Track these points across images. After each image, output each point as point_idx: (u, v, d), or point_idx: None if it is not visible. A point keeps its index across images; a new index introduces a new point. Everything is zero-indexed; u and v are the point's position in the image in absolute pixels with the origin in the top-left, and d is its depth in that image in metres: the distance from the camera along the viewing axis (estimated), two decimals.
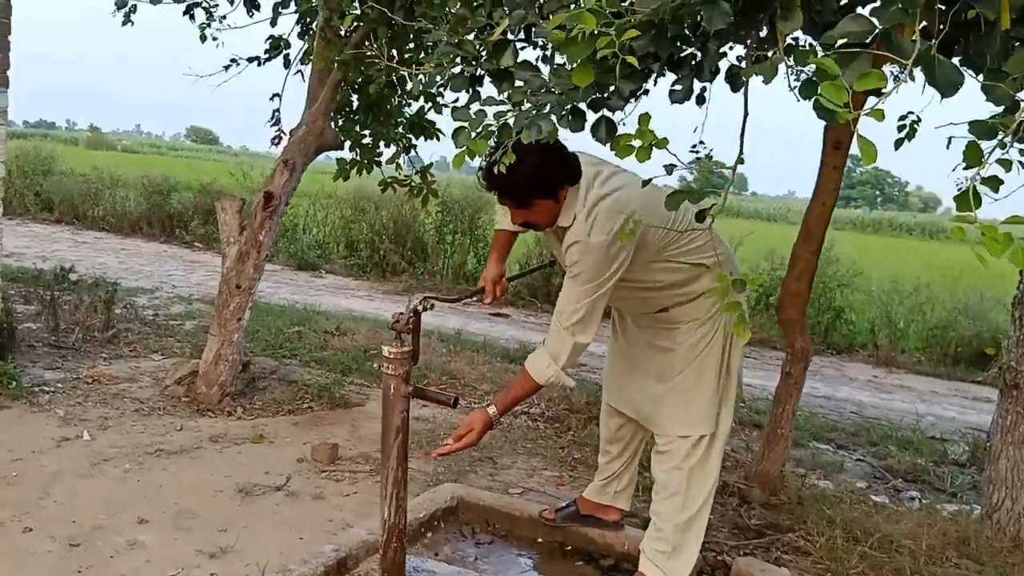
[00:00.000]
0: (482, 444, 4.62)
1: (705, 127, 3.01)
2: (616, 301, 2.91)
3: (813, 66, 1.32)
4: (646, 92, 2.80)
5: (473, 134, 1.66)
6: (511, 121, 1.66)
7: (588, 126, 1.68)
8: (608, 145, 1.55)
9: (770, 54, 1.61)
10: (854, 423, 6.22)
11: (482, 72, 1.94)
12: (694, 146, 3.13)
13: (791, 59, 1.34)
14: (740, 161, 1.50)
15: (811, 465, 4.94)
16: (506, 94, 1.73)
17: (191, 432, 4.44)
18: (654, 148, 1.41)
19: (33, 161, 15.95)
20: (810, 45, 2.07)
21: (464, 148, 1.67)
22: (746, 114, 1.58)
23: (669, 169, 1.49)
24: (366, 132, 5.80)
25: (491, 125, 1.68)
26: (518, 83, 1.72)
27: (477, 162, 2.48)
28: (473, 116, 1.68)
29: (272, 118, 5.79)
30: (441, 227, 11.90)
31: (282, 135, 5.60)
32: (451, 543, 3.29)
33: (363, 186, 11.58)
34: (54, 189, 15.15)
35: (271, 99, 5.71)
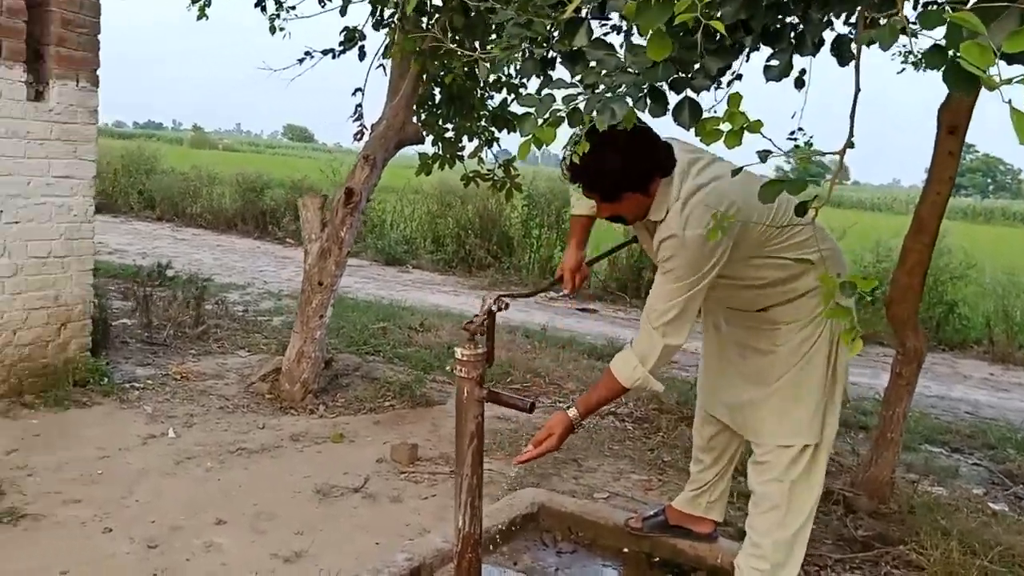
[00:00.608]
0: (566, 446, 4.48)
1: (801, 111, 2.78)
2: (711, 301, 2.70)
3: (936, 31, 1.11)
4: (738, 77, 2.59)
5: (540, 121, 1.48)
6: (582, 106, 1.48)
7: (670, 109, 1.49)
8: (693, 131, 1.36)
9: (882, 22, 1.40)
10: (969, 424, 5.79)
11: (554, 54, 1.77)
12: (792, 133, 2.88)
13: (914, 21, 1.13)
14: (850, 145, 1.28)
15: (923, 470, 4.60)
16: (578, 77, 1.55)
17: (273, 430, 4.43)
18: (746, 132, 1.21)
19: (137, 161, 16.58)
20: (928, 6, 1.82)
21: (530, 137, 1.50)
22: (857, 91, 1.35)
23: (764, 156, 1.28)
24: (448, 126, 5.71)
25: (560, 111, 1.50)
26: (591, 64, 1.54)
27: (557, 152, 2.33)
28: (540, 101, 1.51)
29: (355, 113, 5.76)
30: (527, 221, 11.77)
31: (364, 130, 5.56)
32: (531, 552, 3.15)
33: (449, 180, 11.55)
34: (156, 187, 15.72)
35: (353, 94, 5.68)
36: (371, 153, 4.91)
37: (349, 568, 2.96)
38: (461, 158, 5.84)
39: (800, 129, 2.82)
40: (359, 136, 5.63)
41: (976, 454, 5.13)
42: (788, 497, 2.57)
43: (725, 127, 1.24)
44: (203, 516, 3.35)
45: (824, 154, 1.34)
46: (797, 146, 2.38)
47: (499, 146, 5.92)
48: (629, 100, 1.42)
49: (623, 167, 2.28)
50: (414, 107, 5.47)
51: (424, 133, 5.59)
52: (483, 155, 5.79)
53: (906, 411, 3.85)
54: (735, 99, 1.25)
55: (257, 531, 3.27)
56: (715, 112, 1.44)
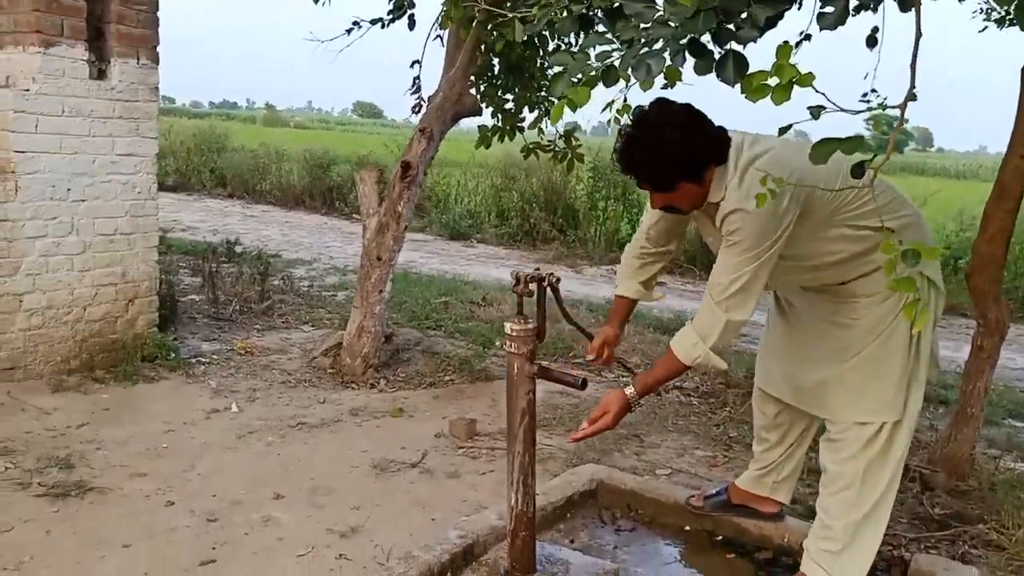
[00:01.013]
0: (628, 421, 4.40)
1: (874, 71, 2.60)
2: (782, 283, 2.57)
3: None
4: (807, 37, 2.42)
5: (573, 80, 1.38)
6: (617, 63, 1.38)
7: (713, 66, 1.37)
8: (739, 87, 1.24)
9: None
10: None
11: (594, 12, 1.66)
12: (864, 95, 2.69)
13: None
14: (912, 97, 1.15)
15: (1006, 446, 4.38)
16: (617, 33, 1.44)
17: (333, 405, 4.45)
18: (796, 88, 1.09)
19: (208, 139, 16.93)
20: None
21: (563, 98, 1.40)
22: (918, 36, 1.21)
23: (816, 112, 1.16)
24: (508, 96, 5.62)
25: (594, 69, 1.39)
26: (631, 19, 1.43)
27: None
28: (573, 59, 1.40)
29: (413, 86, 5.71)
30: (592, 193, 11.60)
31: (422, 103, 5.51)
32: (589, 529, 3.08)
33: (513, 153, 11.45)
34: (226, 165, 16.03)
35: (411, 66, 5.62)
36: (427, 126, 4.86)
37: (404, 544, 2.95)
38: (521, 129, 5.75)
39: (873, 91, 2.64)
40: (417, 109, 5.59)
41: None
42: (863, 477, 2.44)
43: (773, 81, 1.12)
44: (262, 490, 3.38)
45: (886, 107, 1.21)
46: (869, 107, 2.22)
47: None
48: (667, 55, 1.31)
49: (676, 155, 2.19)
50: (471, 78, 5.39)
51: (483, 105, 5.51)
52: (544, 126, 5.69)
53: (988, 385, 3.65)
54: (784, 51, 1.13)
55: (315, 506, 3.29)
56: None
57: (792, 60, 1.11)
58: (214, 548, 2.90)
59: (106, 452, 3.65)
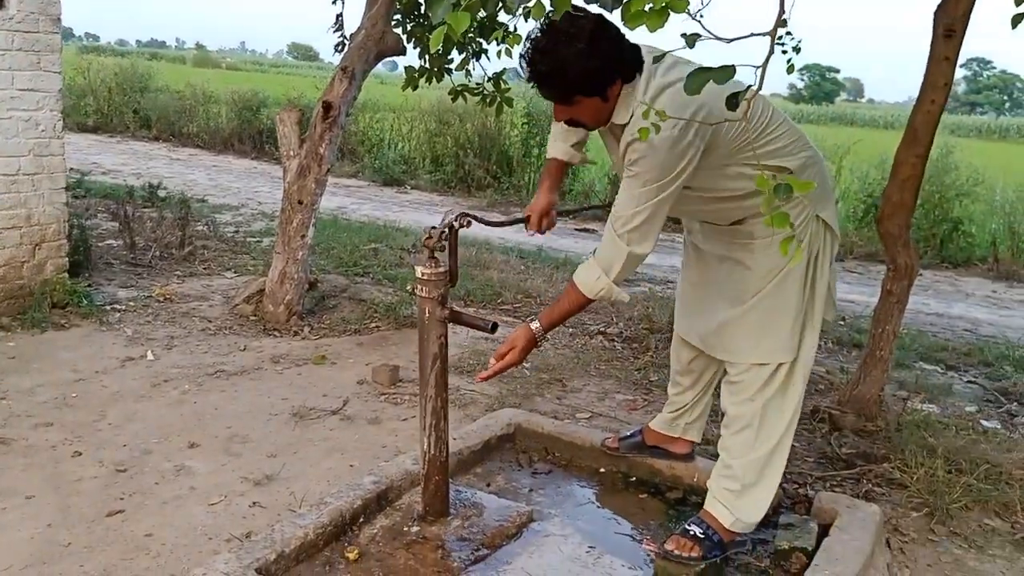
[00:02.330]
0: (551, 365, 4.44)
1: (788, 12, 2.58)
2: (683, 212, 2.56)
3: None
4: None
5: (453, 3, 1.32)
6: None
7: None
8: (618, 13, 1.20)
9: None
10: (967, 342, 5.69)
11: None
12: (762, 34, 2.67)
13: None
14: (781, 24, 1.12)
15: (915, 388, 4.52)
16: None
17: (254, 352, 4.37)
18: (671, 13, 1.06)
19: (131, 79, 16.24)
20: None
21: (442, 23, 1.34)
22: None
23: (691, 41, 1.13)
24: None
25: None
26: None
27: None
28: None
29: (335, 23, 5.53)
30: (527, 139, 11.50)
31: (344, 41, 5.35)
32: (505, 473, 3.09)
33: (446, 98, 11.27)
34: (151, 107, 15.44)
35: (333, 2, 5.45)
36: (349, 65, 4.72)
37: (320, 491, 2.92)
38: (449, 71, 5.63)
39: (788, 33, 2.63)
40: (340, 47, 5.43)
41: (971, 372, 5.05)
42: (760, 417, 2.48)
43: (648, 7, 1.08)
44: (175, 440, 3.31)
45: (759, 35, 1.18)
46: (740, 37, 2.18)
47: (487, 58, 5.71)
48: None
49: (580, 67, 2.10)
50: (397, 17, 5.24)
51: (411, 45, 5.37)
52: (471, 68, 5.58)
53: (897, 329, 3.74)
54: None
55: (230, 454, 3.23)
56: None
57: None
58: (122, 498, 2.84)
59: (10, 402, 3.53)
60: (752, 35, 1.17)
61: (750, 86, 1.25)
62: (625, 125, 2.24)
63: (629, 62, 2.20)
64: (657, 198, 2.21)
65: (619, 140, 2.29)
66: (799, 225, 2.33)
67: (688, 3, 1.08)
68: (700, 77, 1.16)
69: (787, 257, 2.37)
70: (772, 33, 1.14)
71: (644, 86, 2.20)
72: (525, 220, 2.74)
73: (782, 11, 1.15)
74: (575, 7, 1.98)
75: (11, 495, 2.80)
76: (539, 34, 2.14)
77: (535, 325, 2.40)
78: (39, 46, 4.36)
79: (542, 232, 2.78)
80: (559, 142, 2.69)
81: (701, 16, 1.09)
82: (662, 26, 1.08)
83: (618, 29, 2.17)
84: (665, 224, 2.34)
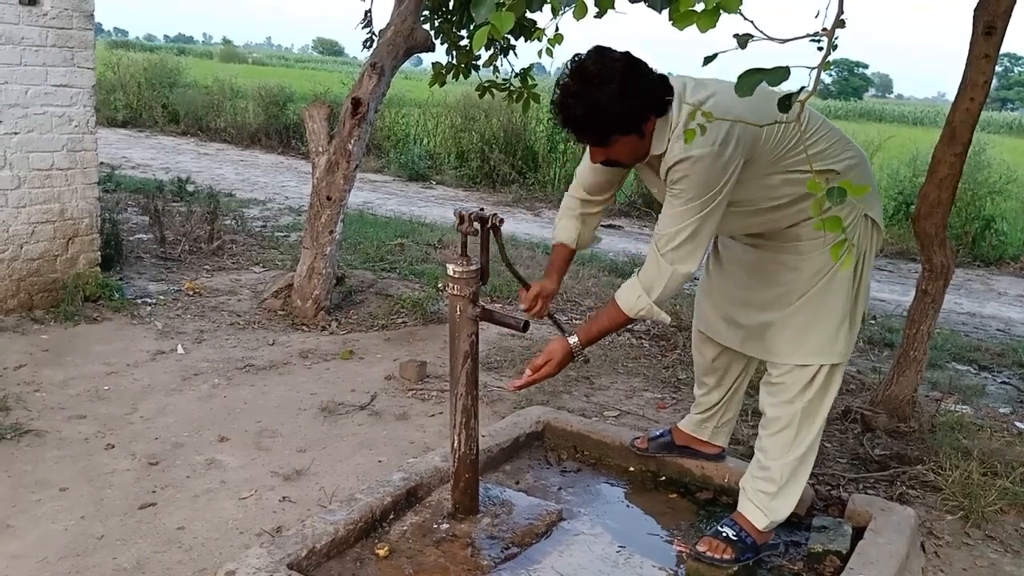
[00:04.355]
0: (579, 363, 4.41)
1: (826, 9, 2.54)
2: (730, 229, 2.52)
3: None
4: None
5: (497, 3, 1.30)
6: None
7: None
8: (666, 13, 1.18)
9: None
10: (1000, 342, 5.61)
11: None
12: (815, 34, 2.64)
13: None
14: (840, 24, 1.10)
15: (948, 389, 4.47)
16: None
17: (282, 347, 4.39)
18: (722, 13, 1.03)
19: (160, 74, 16.39)
20: None
21: (486, 23, 1.33)
22: None
23: (743, 41, 1.10)
24: (463, 33, 5.47)
25: None
26: None
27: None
28: None
29: (364, 19, 5.54)
30: (552, 135, 11.46)
31: (373, 37, 5.36)
32: (534, 471, 3.08)
33: (472, 94, 11.26)
34: (179, 101, 15.57)
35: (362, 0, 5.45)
36: (378, 61, 4.72)
37: (349, 486, 2.94)
38: (477, 67, 5.62)
39: (824, 29, 2.58)
40: (368, 44, 5.44)
41: (1005, 372, 4.98)
42: (800, 419, 2.45)
43: (700, 7, 1.06)
44: (206, 433, 3.33)
45: (813, 36, 1.16)
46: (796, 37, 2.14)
47: (515, 55, 5.69)
48: None
49: (614, 108, 2.08)
50: (426, 13, 5.24)
51: (438, 41, 5.37)
52: (499, 64, 5.57)
53: (931, 329, 3.69)
54: None
55: (260, 448, 3.25)
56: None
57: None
58: (154, 491, 2.86)
59: (44, 394, 3.57)
60: (808, 36, 1.14)
61: (803, 87, 1.22)
62: (662, 155, 2.21)
63: (660, 95, 2.17)
64: (700, 214, 2.18)
65: (657, 169, 2.26)
66: (849, 226, 2.30)
67: (741, 2, 1.06)
68: (752, 78, 1.14)
69: (836, 259, 2.36)
70: (829, 34, 1.12)
71: (676, 112, 2.18)
72: (526, 286, 2.67)
73: (841, 11, 1.12)
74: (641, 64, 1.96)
75: (45, 487, 2.83)
76: (569, 79, 2.13)
77: (573, 340, 2.39)
78: (73, 42, 4.40)
79: (531, 313, 2.67)
80: (568, 229, 2.65)
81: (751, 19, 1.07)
82: (713, 26, 1.06)
83: (647, 65, 2.16)
84: None
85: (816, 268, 2.40)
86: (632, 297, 2.31)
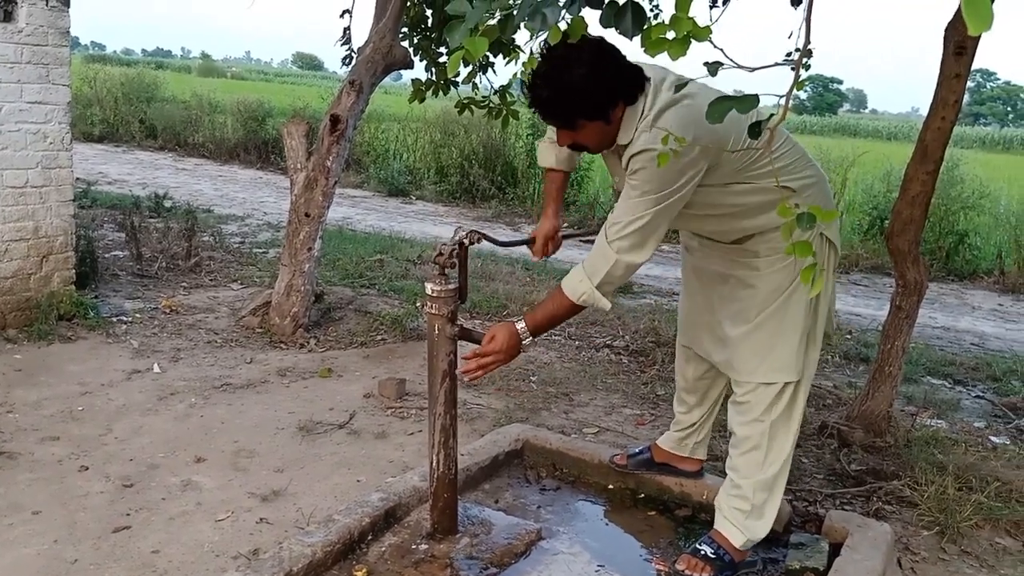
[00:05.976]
0: (557, 379, 4.42)
1: (799, 31, 2.57)
2: (686, 227, 2.54)
3: None
4: None
5: (471, 28, 1.31)
6: (516, 11, 1.32)
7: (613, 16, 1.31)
8: (638, 40, 1.20)
9: None
10: (974, 356, 5.67)
11: None
12: (788, 55, 2.67)
13: None
14: (807, 53, 1.12)
15: (924, 403, 4.51)
16: None
17: (260, 365, 4.36)
18: (693, 41, 1.05)
19: (137, 88, 16.29)
20: None
21: (459, 48, 1.34)
22: None
23: (713, 68, 1.12)
24: (442, 50, 5.49)
25: (492, 18, 1.33)
26: None
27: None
28: (472, 7, 1.34)
29: (343, 36, 5.55)
30: (532, 151, 11.50)
31: (352, 54, 5.36)
32: (513, 489, 3.08)
33: (451, 109, 11.29)
34: (156, 116, 15.47)
35: (341, 16, 5.46)
36: (357, 78, 4.72)
37: (327, 506, 2.91)
38: (456, 84, 5.63)
39: (798, 50, 2.61)
40: (348, 60, 5.44)
41: (979, 386, 5.03)
42: (768, 437, 2.47)
43: (671, 35, 1.08)
44: (182, 454, 3.30)
45: (783, 63, 1.17)
46: (765, 66, 2.16)
47: (494, 72, 5.72)
48: (562, 3, 1.25)
49: (582, 92, 2.09)
50: (404, 30, 5.26)
51: (417, 58, 5.39)
52: (478, 81, 5.59)
53: (906, 344, 3.72)
54: (683, 3, 1.09)
55: (237, 469, 3.22)
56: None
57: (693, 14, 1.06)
58: (128, 514, 2.82)
59: (16, 415, 3.52)
60: (776, 64, 1.16)
61: (772, 114, 1.24)
62: (627, 145, 2.22)
63: (631, 84, 2.18)
64: (654, 209, 2.18)
65: (621, 157, 2.27)
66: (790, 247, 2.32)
67: (711, 31, 1.07)
68: (722, 106, 1.16)
69: (793, 277, 2.38)
70: (798, 63, 1.13)
71: (649, 103, 2.18)
72: (531, 242, 2.72)
73: (808, 41, 1.14)
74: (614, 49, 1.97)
75: (17, 510, 2.79)
76: (540, 63, 2.13)
77: (520, 325, 2.37)
78: (48, 59, 4.37)
79: (547, 256, 2.74)
80: (551, 151, 2.64)
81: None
82: (684, 54, 1.08)
83: (619, 51, 2.17)
84: (668, 235, 2.32)
85: (773, 286, 2.42)
86: (575, 281, 2.31)
